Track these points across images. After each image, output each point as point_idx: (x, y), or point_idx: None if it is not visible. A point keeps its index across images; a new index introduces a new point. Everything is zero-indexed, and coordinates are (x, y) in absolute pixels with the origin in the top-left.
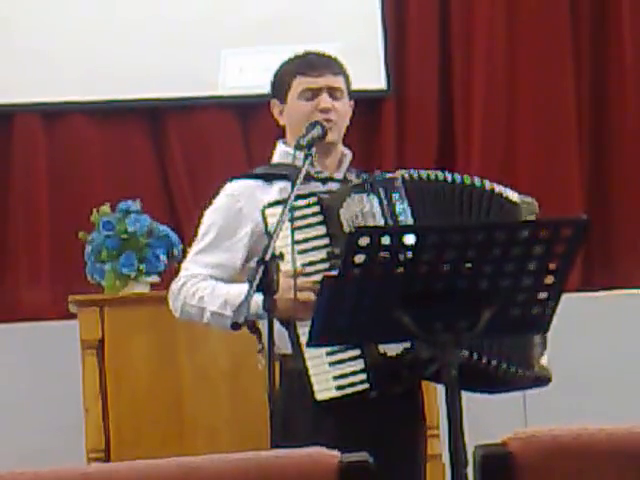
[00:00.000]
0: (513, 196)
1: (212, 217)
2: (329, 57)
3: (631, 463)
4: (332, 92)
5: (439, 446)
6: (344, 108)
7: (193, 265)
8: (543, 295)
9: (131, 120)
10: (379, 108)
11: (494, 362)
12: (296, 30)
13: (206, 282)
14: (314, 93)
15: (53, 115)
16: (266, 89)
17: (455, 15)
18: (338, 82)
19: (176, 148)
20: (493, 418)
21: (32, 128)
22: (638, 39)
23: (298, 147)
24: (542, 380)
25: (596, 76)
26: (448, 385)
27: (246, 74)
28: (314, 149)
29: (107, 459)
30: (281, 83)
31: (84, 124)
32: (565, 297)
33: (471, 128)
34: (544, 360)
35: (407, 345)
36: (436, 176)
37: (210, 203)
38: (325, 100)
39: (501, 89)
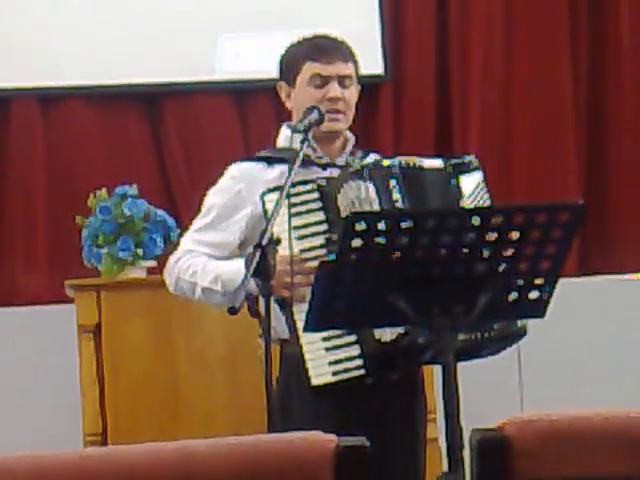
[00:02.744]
0: None
1: (213, 198)
2: (340, 42)
3: (627, 447)
4: (342, 80)
5: (436, 430)
6: (353, 96)
7: (190, 242)
8: (540, 280)
9: (128, 105)
10: (376, 93)
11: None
12: (293, 15)
13: (200, 258)
14: (324, 80)
15: (50, 100)
16: (263, 74)
17: (453, 1)
18: (348, 69)
19: (173, 133)
20: (489, 402)
21: (29, 113)
22: (635, 34)
23: (295, 131)
24: (520, 335)
25: (593, 62)
26: (445, 369)
27: (243, 59)
28: (311, 133)
29: (104, 443)
30: (290, 66)
31: (81, 109)
32: (562, 282)
33: (468, 113)
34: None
35: (401, 331)
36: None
37: (213, 184)
38: (335, 89)
39: (498, 74)
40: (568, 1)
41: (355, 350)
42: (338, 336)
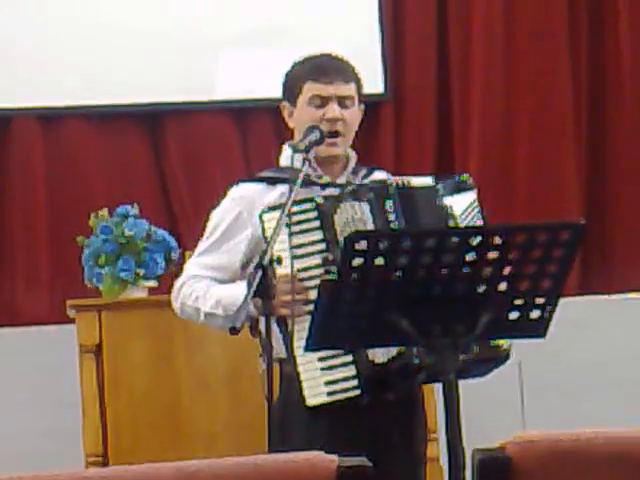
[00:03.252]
0: None
1: (214, 220)
2: (342, 61)
3: (629, 467)
4: (342, 101)
5: (437, 449)
6: (353, 117)
7: (193, 266)
8: (541, 299)
9: (128, 124)
10: (377, 112)
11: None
12: (294, 34)
13: (202, 283)
14: (323, 101)
15: (50, 119)
16: (263, 93)
17: (453, 19)
18: (349, 90)
19: (174, 152)
20: (491, 421)
21: (30, 132)
22: (635, 37)
23: (296, 151)
24: (500, 359)
25: (593, 75)
26: (446, 389)
27: (243, 78)
28: (312, 153)
29: (105, 464)
30: (292, 86)
31: (82, 128)
32: (563, 301)
33: (469, 130)
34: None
35: (394, 353)
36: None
37: (216, 205)
38: (333, 110)
39: (499, 92)
40: (567, 14)
41: (351, 370)
42: (334, 356)
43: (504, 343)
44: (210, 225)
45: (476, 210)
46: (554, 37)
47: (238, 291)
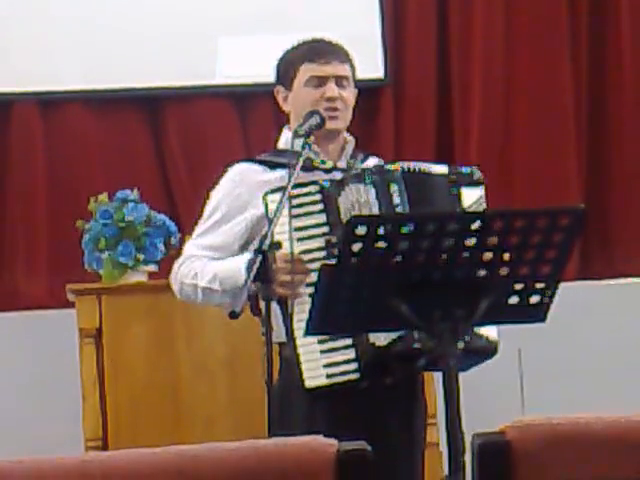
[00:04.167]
0: None
1: (213, 201)
2: (336, 44)
3: (629, 452)
4: (339, 80)
5: (437, 434)
6: (350, 97)
7: (192, 247)
8: (541, 284)
9: (128, 109)
10: (377, 97)
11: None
12: (294, 19)
13: (200, 261)
14: (321, 81)
15: (51, 104)
16: (263, 78)
17: (453, 5)
18: (345, 70)
19: (173, 137)
20: (491, 407)
21: (30, 117)
22: (636, 36)
23: (296, 135)
24: (489, 351)
25: (594, 65)
26: (446, 373)
27: (243, 63)
28: (312, 137)
29: (105, 447)
30: (287, 69)
31: (82, 113)
32: (563, 286)
33: (469, 117)
34: (493, 333)
35: (394, 336)
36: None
37: (215, 185)
38: (332, 89)
39: (499, 77)
40: (568, 7)
41: (350, 353)
42: (333, 339)
43: (494, 336)
44: (209, 206)
45: (482, 206)
46: (556, 30)
47: (234, 265)
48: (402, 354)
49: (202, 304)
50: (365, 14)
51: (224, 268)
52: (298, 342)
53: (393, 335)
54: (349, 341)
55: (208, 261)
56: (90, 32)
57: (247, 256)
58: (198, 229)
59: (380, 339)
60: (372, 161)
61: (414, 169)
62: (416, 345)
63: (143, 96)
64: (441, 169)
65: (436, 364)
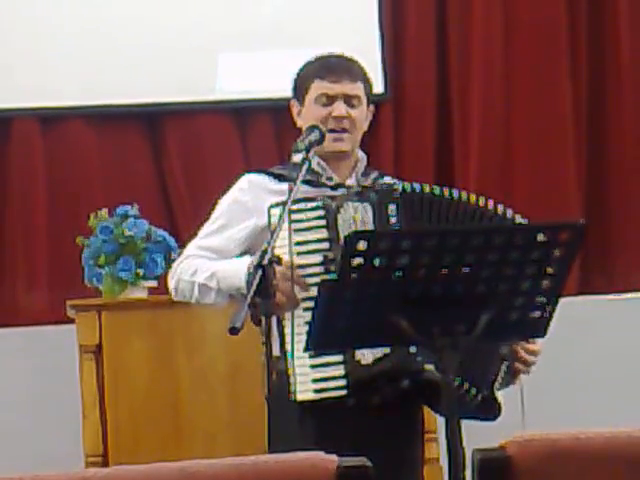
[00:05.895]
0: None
1: (220, 207)
2: (350, 61)
3: (629, 467)
4: (348, 99)
5: (437, 449)
6: (360, 116)
7: (193, 248)
8: (541, 299)
9: (129, 125)
10: (377, 112)
11: (465, 385)
12: (293, 35)
13: (201, 259)
14: (330, 99)
15: (51, 120)
16: (263, 93)
17: (452, 19)
18: (356, 89)
19: (174, 152)
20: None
21: (30, 133)
22: (635, 37)
23: (296, 150)
24: (492, 410)
25: (593, 79)
26: (445, 389)
27: (243, 78)
28: (312, 153)
29: (105, 464)
30: (300, 84)
31: (82, 129)
32: (563, 301)
33: (469, 132)
34: (499, 394)
35: (380, 355)
36: (441, 192)
37: (225, 191)
38: (340, 108)
39: (499, 92)
40: (567, 18)
41: (340, 370)
42: (325, 354)
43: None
44: (216, 211)
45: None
46: (554, 36)
47: (234, 266)
48: (386, 373)
49: (197, 303)
50: (365, 29)
51: (224, 268)
52: (289, 356)
53: (378, 352)
54: (340, 357)
55: (208, 260)
56: (90, 48)
57: (247, 259)
58: (202, 231)
59: (366, 357)
60: (385, 180)
61: (414, 189)
62: (401, 365)
63: (143, 112)
64: (450, 192)
65: (423, 383)
